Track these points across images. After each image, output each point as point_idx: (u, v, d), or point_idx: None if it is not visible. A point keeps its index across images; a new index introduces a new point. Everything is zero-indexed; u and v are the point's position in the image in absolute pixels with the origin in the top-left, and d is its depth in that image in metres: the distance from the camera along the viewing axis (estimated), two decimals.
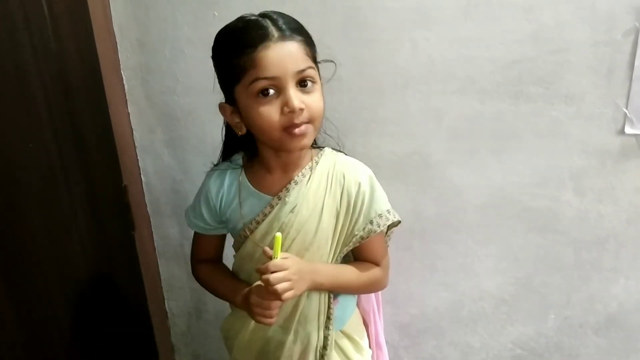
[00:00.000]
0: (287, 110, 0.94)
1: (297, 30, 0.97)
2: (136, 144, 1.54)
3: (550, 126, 1.31)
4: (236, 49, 0.95)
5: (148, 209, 1.61)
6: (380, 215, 1.09)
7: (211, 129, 1.41)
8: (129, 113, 1.51)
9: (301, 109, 0.94)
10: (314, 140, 1.11)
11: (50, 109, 1.16)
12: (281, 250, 0.99)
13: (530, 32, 1.25)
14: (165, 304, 1.73)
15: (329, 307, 1.13)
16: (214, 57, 1.03)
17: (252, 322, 1.10)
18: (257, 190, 1.09)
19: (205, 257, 1.22)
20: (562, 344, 1.52)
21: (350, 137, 1.40)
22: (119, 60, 1.45)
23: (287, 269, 0.97)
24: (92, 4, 1.33)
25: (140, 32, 1.42)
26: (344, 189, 1.08)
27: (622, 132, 1.28)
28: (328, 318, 1.13)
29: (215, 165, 1.17)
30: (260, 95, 0.95)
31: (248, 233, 1.09)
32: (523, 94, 1.30)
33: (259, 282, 1.00)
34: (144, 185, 1.59)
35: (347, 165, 1.11)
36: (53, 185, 1.17)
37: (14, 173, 1.05)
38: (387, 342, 1.60)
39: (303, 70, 0.94)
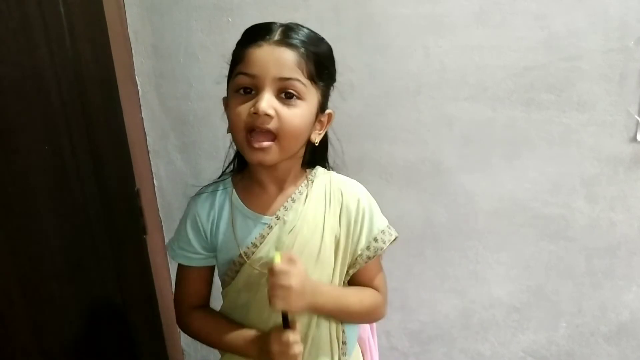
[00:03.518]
0: (253, 110, 0.88)
1: (305, 44, 0.92)
2: (149, 149, 1.56)
3: (562, 133, 1.31)
4: (238, 43, 0.95)
5: (160, 213, 1.62)
6: (383, 232, 1.03)
7: (224, 135, 1.41)
8: (142, 118, 1.52)
9: (268, 115, 0.88)
10: (314, 158, 1.06)
11: (66, 113, 1.17)
12: None
13: (543, 40, 1.26)
14: None
15: (343, 343, 1.06)
16: None
17: None
18: (251, 211, 1.00)
19: (194, 299, 1.07)
20: (573, 353, 1.51)
21: (362, 143, 1.41)
22: (134, 66, 1.47)
23: (291, 274, 0.88)
24: (109, 10, 1.34)
25: (155, 37, 1.43)
26: (343, 205, 1.02)
27: (634, 139, 1.28)
28: (344, 354, 1.06)
29: (200, 190, 1.08)
30: (242, 91, 0.91)
31: (245, 259, 0.99)
32: (535, 101, 1.30)
33: (284, 331, 0.90)
34: (156, 190, 1.60)
35: (343, 182, 1.05)
36: (67, 188, 1.18)
37: (28, 174, 1.06)
38: (397, 349, 1.60)
39: (286, 79, 0.89)
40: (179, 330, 1.74)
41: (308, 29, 0.95)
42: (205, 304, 1.09)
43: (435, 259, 1.49)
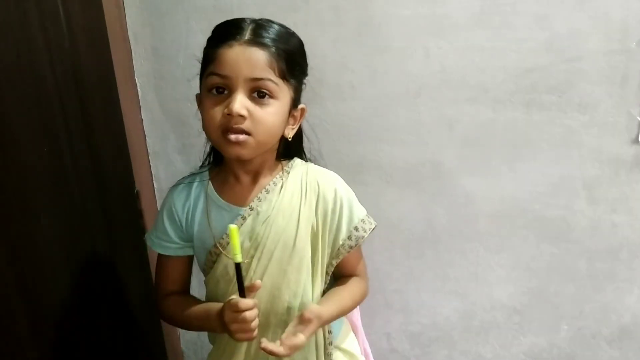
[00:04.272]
0: (226, 112, 0.90)
1: (276, 42, 0.92)
2: (149, 150, 1.55)
3: (563, 135, 1.31)
4: (209, 41, 0.96)
5: None
6: (363, 221, 1.04)
7: None
8: (142, 119, 1.51)
9: (241, 115, 0.89)
10: (290, 151, 1.08)
11: (65, 115, 1.17)
12: (262, 271, 0.97)
13: (544, 41, 1.25)
14: None
15: (329, 332, 1.09)
16: None
17: (242, 356, 1.03)
18: (226, 202, 1.03)
19: (172, 287, 1.10)
20: (574, 355, 1.50)
21: (362, 145, 1.40)
22: (133, 67, 1.46)
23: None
24: (108, 11, 1.34)
25: (155, 39, 1.43)
26: (320, 196, 1.03)
27: (635, 141, 1.28)
28: (330, 343, 1.09)
29: (177, 181, 1.11)
30: (214, 91, 0.92)
31: (220, 249, 1.02)
32: (536, 103, 1.30)
33: (233, 297, 0.92)
34: (156, 192, 1.60)
35: (319, 172, 1.06)
36: (66, 190, 1.18)
37: (28, 176, 1.06)
38: (397, 351, 1.60)
39: (259, 80, 0.90)
40: (179, 332, 1.74)
41: (278, 24, 0.96)
42: (182, 291, 1.12)
43: (436, 260, 1.49)
